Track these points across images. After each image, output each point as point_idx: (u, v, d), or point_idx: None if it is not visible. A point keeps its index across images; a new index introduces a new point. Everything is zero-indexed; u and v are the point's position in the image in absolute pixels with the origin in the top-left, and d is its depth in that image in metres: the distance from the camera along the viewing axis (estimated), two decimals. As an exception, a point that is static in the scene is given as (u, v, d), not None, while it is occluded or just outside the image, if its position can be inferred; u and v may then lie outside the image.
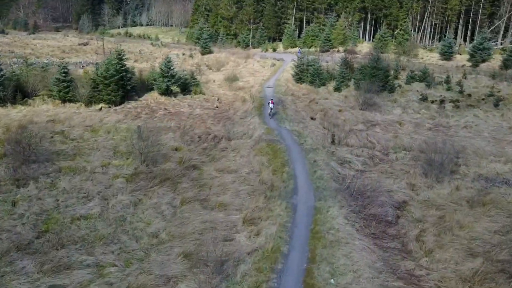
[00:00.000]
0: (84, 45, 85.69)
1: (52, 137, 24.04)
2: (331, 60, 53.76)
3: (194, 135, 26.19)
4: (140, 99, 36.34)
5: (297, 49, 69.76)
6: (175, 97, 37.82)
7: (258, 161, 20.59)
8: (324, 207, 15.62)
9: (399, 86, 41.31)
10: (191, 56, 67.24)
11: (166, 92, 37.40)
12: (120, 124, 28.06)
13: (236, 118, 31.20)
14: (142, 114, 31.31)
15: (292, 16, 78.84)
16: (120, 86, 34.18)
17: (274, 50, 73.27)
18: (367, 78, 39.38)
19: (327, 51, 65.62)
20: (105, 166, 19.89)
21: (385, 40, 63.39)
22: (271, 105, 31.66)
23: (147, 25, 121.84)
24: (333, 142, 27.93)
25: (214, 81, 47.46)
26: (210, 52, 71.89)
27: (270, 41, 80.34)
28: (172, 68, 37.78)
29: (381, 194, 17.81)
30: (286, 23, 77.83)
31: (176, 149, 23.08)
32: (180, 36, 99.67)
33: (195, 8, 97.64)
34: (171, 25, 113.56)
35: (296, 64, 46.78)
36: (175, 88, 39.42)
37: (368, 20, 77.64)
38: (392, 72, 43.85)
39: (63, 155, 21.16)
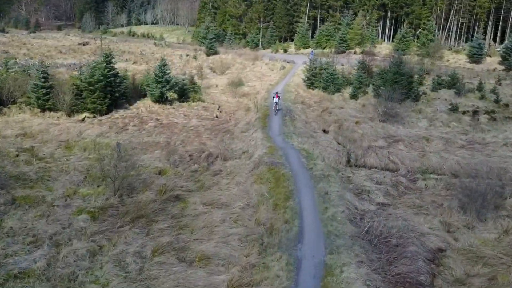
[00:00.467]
0: (84, 45, 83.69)
1: (17, 155, 21.21)
2: (347, 63, 50.34)
3: (185, 153, 23.11)
4: (131, 107, 33.49)
5: (309, 50, 66.39)
6: (171, 104, 34.89)
7: (257, 191, 17.38)
8: (337, 264, 12.33)
9: (424, 93, 37.72)
10: (194, 57, 64.44)
11: (161, 99, 34.49)
12: (101, 139, 25.16)
13: (237, 131, 28.05)
14: (129, 126, 28.39)
15: (305, 14, 75.57)
16: (108, 93, 31.38)
17: (285, 51, 70.05)
18: (387, 84, 35.91)
19: (343, 52, 62.17)
20: (69, 196, 16.90)
21: (406, 41, 59.65)
22: (275, 100, 31.60)
23: (152, 23, 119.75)
24: (348, 162, 24.70)
25: (216, 86, 44.49)
26: (216, 53, 69.06)
27: (281, 41, 77.16)
28: (167, 72, 34.86)
29: (410, 241, 14.43)
30: (299, 22, 74.58)
31: (160, 173, 20.02)
32: (186, 36, 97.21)
33: (201, 5, 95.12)
34: (177, 24, 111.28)
35: (308, 67, 43.49)
36: (171, 95, 36.51)
37: (388, 18, 73.91)
38: (415, 77, 40.25)
39: (23, 180, 18.27)
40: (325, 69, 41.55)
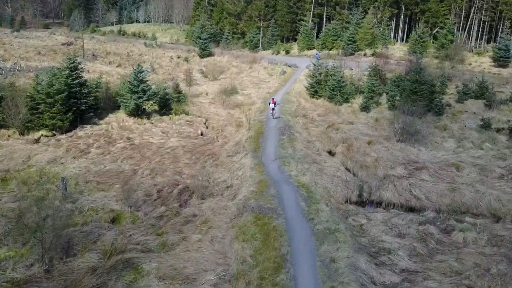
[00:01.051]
0: (68, 45, 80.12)
1: None
2: (357, 67, 46.21)
3: (153, 187, 19.08)
4: (101, 122, 29.55)
5: (314, 51, 62.33)
6: (149, 118, 30.94)
7: (237, 253, 13.31)
8: None
9: (449, 105, 33.58)
10: (186, 59, 60.58)
11: (136, 112, 30.54)
12: (52, 166, 21.19)
13: (223, 155, 24.01)
14: (93, 148, 24.40)
15: (310, 11, 71.57)
16: (71, 106, 27.45)
17: (287, 52, 66.00)
18: (405, 94, 31.81)
19: (351, 54, 58.08)
20: (-22, 262, 12.89)
21: (423, 42, 55.49)
22: (272, 105, 30.38)
23: (145, 22, 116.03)
24: (360, 196, 20.60)
25: (206, 94, 40.52)
26: (210, 54, 65.19)
27: (282, 42, 73.14)
28: (144, 80, 30.88)
29: None
30: (303, 20, 70.58)
31: (113, 220, 15.98)
32: (180, 35, 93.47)
33: (196, 2, 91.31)
34: (172, 22, 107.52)
35: (311, 72, 39.42)
36: (150, 106, 32.56)
37: (401, 16, 69.78)
38: (437, 85, 36.09)
39: None
40: (331, 75, 37.48)
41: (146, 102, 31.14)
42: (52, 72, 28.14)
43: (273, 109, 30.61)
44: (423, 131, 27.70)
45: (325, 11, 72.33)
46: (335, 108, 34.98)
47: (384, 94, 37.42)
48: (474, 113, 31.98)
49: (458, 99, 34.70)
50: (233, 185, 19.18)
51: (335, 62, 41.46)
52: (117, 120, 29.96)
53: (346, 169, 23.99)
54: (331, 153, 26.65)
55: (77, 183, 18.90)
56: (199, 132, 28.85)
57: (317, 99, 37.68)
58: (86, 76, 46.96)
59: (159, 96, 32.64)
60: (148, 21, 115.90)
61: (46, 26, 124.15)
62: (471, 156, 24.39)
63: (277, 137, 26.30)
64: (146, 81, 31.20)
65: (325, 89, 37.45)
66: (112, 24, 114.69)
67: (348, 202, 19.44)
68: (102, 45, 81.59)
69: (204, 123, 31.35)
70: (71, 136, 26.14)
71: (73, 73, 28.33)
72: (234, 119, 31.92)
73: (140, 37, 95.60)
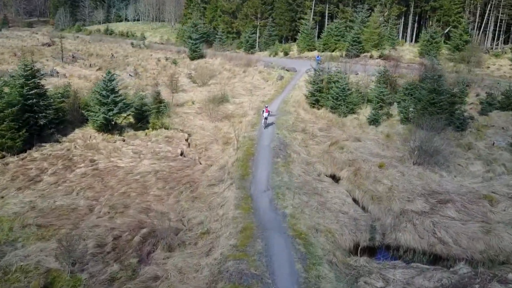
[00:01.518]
0: (49, 45, 76.84)
1: None
2: (363, 70, 42.67)
3: (109, 232, 15.54)
4: (64, 139, 25.98)
5: (315, 53, 58.86)
6: (121, 134, 27.39)
7: None
8: None
9: (471, 118, 30.05)
10: (174, 62, 57.07)
11: (106, 127, 27.00)
12: (-12, 202, 17.64)
13: (203, 184, 20.49)
14: (46, 175, 20.84)
15: (311, 9, 68.15)
16: (26, 121, 23.95)
17: (286, 53, 62.46)
18: (420, 106, 28.36)
19: (356, 56, 54.60)
20: None
21: (436, 42, 51.98)
22: (265, 114, 28.52)
23: (135, 20, 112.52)
24: (371, 241, 17.10)
25: (193, 102, 36.99)
26: (202, 56, 61.70)
27: (281, 42, 69.65)
28: (116, 90, 27.35)
29: None
30: (303, 19, 67.13)
31: (45, 287, 12.44)
32: (171, 35, 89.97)
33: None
34: (163, 21, 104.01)
35: (312, 78, 35.90)
36: (124, 120, 29.05)
37: (410, 15, 66.33)
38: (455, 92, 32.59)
39: None
40: (334, 82, 34.00)
41: (119, 115, 27.59)
42: (2, 80, 24.56)
43: (266, 118, 28.64)
44: (444, 151, 24.16)
45: (327, 8, 68.93)
46: (339, 121, 31.49)
47: (395, 103, 34.01)
48: (502, 128, 28.47)
49: (482, 110, 31.21)
50: (211, 230, 15.64)
51: (338, 66, 37.96)
52: (83, 137, 26.42)
53: (354, 200, 20.52)
54: (335, 178, 23.18)
55: (11, 228, 15.37)
56: (179, 151, 25.34)
57: (319, 109, 34.20)
58: (60, 81, 44.09)
59: (134, 107, 29.17)
60: (138, 20, 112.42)
61: (30, 25, 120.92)
62: (505, 185, 20.83)
63: (270, 159, 22.77)
64: (118, 90, 27.66)
65: (328, 98, 33.97)
66: (99, 23, 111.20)
67: (358, 250, 15.93)
68: (86, 46, 78.21)
69: (186, 140, 27.85)
70: (22, 159, 22.59)
71: (29, 82, 24.79)
72: (221, 134, 28.40)
73: (128, 36, 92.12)
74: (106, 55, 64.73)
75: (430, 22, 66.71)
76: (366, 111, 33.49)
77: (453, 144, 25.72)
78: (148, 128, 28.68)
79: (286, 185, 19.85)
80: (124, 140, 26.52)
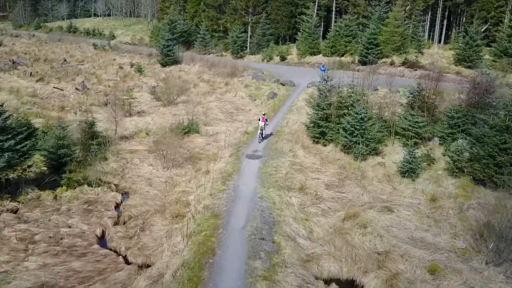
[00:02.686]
0: (-6, 46, 69.05)
1: None
2: (385, 84, 34.47)
3: None
4: None
5: (319, 58, 50.75)
6: (15, 197, 19.06)
7: None
8: None
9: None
10: (139, 70, 48.84)
11: (-11, 188, 18.74)
12: None
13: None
14: None
15: (314, 2, 60.18)
16: None
17: (283, 58, 54.33)
18: (483, 151, 20.17)
19: (373, 63, 46.53)
20: None
21: (477, 46, 43.85)
22: (261, 124, 26.66)
23: (106, 15, 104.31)
24: None
25: (147, 134, 28.82)
26: (176, 61, 53.66)
27: (278, 43, 61.63)
28: (11, 126, 19.08)
29: None
30: (304, 14, 59.13)
31: None
32: (146, 33, 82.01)
33: (167, -10, 80.00)
34: (139, 16, 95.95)
35: (315, 101, 27.63)
36: (25, 172, 20.74)
37: (439, 9, 58.38)
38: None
39: None
40: (347, 107, 25.86)
41: (13, 167, 19.31)
42: None
43: (262, 129, 26.68)
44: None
45: (334, 1, 60.80)
46: (356, 167, 23.24)
47: (435, 138, 25.85)
48: None
49: None
50: None
51: (353, 79, 29.75)
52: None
53: None
54: (354, 285, 14.99)
55: None
56: (98, 232, 17.11)
57: (325, 145, 26.03)
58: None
59: (46, 149, 21.00)
60: (109, 15, 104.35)
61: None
62: None
63: (242, 263, 14.44)
64: (13, 127, 19.36)
65: (338, 130, 25.81)
66: (63, 19, 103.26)
67: None
68: (40, 47, 70.34)
69: (117, 206, 19.62)
70: None
71: None
72: (175, 196, 20.11)
73: (94, 35, 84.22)
74: (57, 60, 56.69)
75: (463, 19, 58.85)
76: (393, 150, 25.32)
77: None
78: (61, 186, 20.42)
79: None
80: (16, 212, 18.25)
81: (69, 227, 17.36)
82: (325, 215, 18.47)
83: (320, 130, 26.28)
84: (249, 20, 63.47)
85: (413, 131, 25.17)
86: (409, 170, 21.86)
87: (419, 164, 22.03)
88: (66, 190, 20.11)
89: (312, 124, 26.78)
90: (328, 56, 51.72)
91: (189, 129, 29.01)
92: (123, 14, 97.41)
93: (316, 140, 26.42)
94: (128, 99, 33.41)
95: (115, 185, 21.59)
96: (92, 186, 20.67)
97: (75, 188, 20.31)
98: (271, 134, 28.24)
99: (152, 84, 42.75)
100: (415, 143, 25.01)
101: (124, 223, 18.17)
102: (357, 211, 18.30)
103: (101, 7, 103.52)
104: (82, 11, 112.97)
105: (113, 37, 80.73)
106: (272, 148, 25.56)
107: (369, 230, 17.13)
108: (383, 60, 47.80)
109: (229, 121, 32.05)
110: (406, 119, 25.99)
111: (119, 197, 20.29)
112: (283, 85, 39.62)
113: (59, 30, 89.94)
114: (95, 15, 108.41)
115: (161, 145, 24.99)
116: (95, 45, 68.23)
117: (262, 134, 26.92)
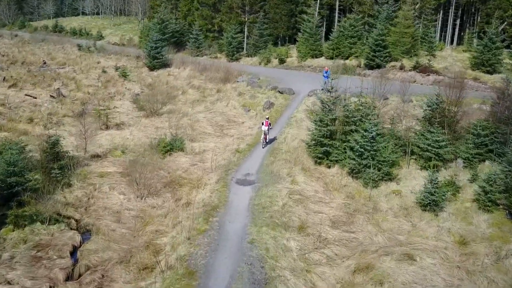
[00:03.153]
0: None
1: None
2: (395, 92, 31.26)
3: None
4: None
5: (322, 61, 47.58)
6: None
7: None
8: None
9: None
10: (124, 75, 45.55)
11: None
12: None
13: None
14: None
15: (316, 0, 57.09)
16: None
17: (282, 61, 51.11)
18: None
19: (380, 66, 43.34)
20: None
21: (496, 48, 40.66)
22: (264, 128, 25.72)
23: (94, 14, 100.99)
24: None
25: (122, 152, 25.55)
26: (165, 65, 50.45)
27: (277, 44, 58.42)
28: None
29: None
30: (305, 13, 56.00)
31: None
32: (137, 32, 78.74)
33: (158, -13, 76.80)
34: (129, 15, 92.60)
35: (318, 115, 24.38)
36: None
37: (452, 8, 55.21)
38: None
39: None
40: (355, 123, 22.68)
41: None
42: None
43: (265, 133, 25.87)
44: None
45: (337, 0, 57.67)
46: (366, 195, 20.04)
47: (458, 160, 22.66)
48: None
49: None
50: None
51: (363, 89, 26.61)
52: None
53: None
54: None
55: None
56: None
57: (329, 167, 22.83)
58: None
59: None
60: (98, 13, 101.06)
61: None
62: None
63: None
64: None
65: (344, 149, 22.64)
66: (49, 18, 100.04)
67: None
68: (21, 48, 67.06)
69: (75, 249, 16.37)
70: None
71: None
72: (144, 240, 16.81)
73: (81, 35, 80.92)
74: (36, 63, 53.45)
75: (478, 18, 55.68)
76: (409, 174, 22.13)
77: None
78: (7, 224, 17.15)
79: None
80: None
81: (9, 283, 14.18)
82: (330, 264, 15.24)
83: (324, 149, 23.02)
84: (246, 19, 60.30)
85: (433, 152, 21.98)
86: (431, 203, 18.62)
87: (443, 195, 18.79)
88: (13, 230, 16.86)
89: (314, 142, 23.52)
90: (331, 59, 48.56)
91: (172, 147, 25.78)
92: (112, 13, 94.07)
93: (318, 160, 23.20)
94: (105, 109, 30.19)
95: (76, 220, 18.30)
96: (46, 224, 17.40)
97: (24, 227, 17.05)
98: (274, 139, 27.05)
99: (136, 91, 39.50)
100: (435, 166, 21.83)
101: (80, 276, 14.89)
102: (370, 262, 15.06)
103: (89, 5, 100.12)
104: (70, 10, 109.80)
105: (101, 37, 77.44)
106: (267, 171, 22.37)
107: (384, 285, 13.94)
108: (392, 63, 44.58)
109: (219, 136, 28.82)
110: (424, 136, 22.82)
111: (78, 238, 17.00)
112: (281, 93, 36.26)
113: (44, 30, 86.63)
114: (84, 13, 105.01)
115: (138, 166, 21.78)
116: (79, 46, 64.96)
117: (266, 139, 26.17)
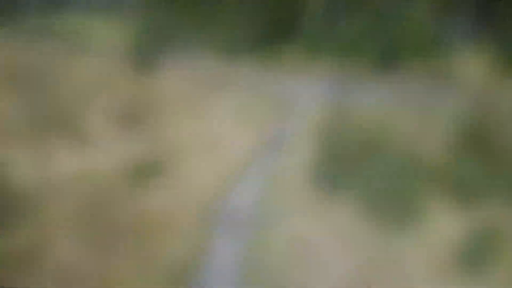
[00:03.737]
0: None
1: None
2: (412, 102, 27.03)
3: None
4: None
5: (324, 63, 43.75)
6: None
7: None
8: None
9: None
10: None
11: None
12: None
13: None
14: None
15: None
16: None
17: (280, 62, 47.73)
18: None
19: (391, 67, 39.48)
20: None
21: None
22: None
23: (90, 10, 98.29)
24: None
25: (79, 178, 21.50)
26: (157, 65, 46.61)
27: (274, 44, 55.09)
28: None
29: None
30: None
31: None
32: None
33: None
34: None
35: (325, 127, 20.50)
36: None
37: (468, 1, 51.52)
38: None
39: None
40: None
41: None
42: None
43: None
44: None
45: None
46: (384, 249, 15.88)
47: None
48: None
49: None
50: None
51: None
52: None
53: None
54: None
55: None
56: None
57: (338, 206, 18.70)
58: None
59: None
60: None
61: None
62: None
63: None
64: None
65: (355, 176, 18.60)
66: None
67: None
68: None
69: None
70: None
71: None
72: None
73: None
74: None
75: (496, 10, 51.68)
76: (434, 215, 18.00)
77: None
78: None
79: None
80: None
81: None
82: None
83: (332, 174, 18.94)
84: (243, 15, 56.66)
85: (463, 187, 18.01)
86: (470, 257, 14.52)
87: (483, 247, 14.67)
88: None
89: (317, 172, 19.60)
90: (334, 60, 44.78)
91: (148, 173, 21.81)
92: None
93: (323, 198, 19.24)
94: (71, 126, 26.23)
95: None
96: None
97: None
98: None
99: (115, 99, 35.69)
100: (468, 206, 17.82)
101: None
102: None
103: None
104: (64, 4, 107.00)
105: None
106: (269, 199, 18.12)
107: None
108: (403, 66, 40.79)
109: (208, 155, 24.87)
110: (450, 166, 18.87)
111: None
112: (279, 98, 32.65)
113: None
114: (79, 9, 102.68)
115: (105, 203, 17.68)
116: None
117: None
